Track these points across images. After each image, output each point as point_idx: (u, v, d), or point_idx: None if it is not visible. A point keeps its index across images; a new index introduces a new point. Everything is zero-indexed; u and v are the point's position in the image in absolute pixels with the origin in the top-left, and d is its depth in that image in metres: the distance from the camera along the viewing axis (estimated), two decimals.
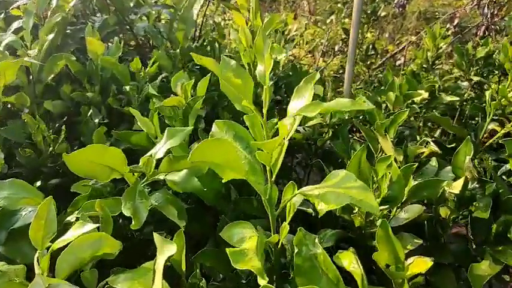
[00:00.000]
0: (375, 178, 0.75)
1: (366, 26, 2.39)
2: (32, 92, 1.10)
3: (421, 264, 0.56)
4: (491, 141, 1.06)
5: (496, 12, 2.35)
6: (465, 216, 0.79)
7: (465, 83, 1.57)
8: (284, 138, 0.50)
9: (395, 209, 0.76)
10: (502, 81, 1.56)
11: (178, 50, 1.37)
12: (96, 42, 1.15)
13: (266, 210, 0.58)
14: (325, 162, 1.08)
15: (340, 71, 2.50)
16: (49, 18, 1.20)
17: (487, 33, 2.37)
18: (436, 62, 1.72)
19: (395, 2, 2.72)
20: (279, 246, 0.60)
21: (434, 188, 0.76)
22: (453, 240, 0.83)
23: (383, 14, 2.59)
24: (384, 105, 1.26)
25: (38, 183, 0.95)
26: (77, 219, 0.67)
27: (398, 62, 2.58)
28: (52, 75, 1.11)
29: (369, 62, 2.29)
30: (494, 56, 1.48)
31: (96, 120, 1.07)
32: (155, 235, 0.56)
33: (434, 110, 1.40)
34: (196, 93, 0.94)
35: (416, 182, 0.76)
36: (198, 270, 0.66)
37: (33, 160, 0.96)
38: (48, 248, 0.55)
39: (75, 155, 0.59)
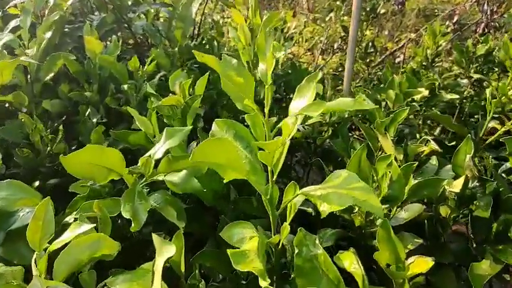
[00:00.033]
0: (375, 177, 0.75)
1: (365, 23, 2.39)
2: (30, 91, 1.09)
3: (422, 264, 0.56)
4: (491, 139, 1.06)
5: (495, 9, 2.34)
6: (465, 215, 0.79)
7: (465, 81, 1.56)
8: (286, 138, 0.49)
9: (395, 208, 0.76)
10: (502, 78, 1.55)
11: (176, 49, 1.36)
12: (94, 40, 1.14)
13: (267, 210, 0.57)
14: (324, 161, 1.07)
15: (340, 69, 2.49)
16: (47, 16, 1.19)
17: (486, 30, 2.37)
18: (436, 59, 1.72)
19: None
20: (279, 247, 0.59)
21: (434, 187, 0.75)
22: (453, 239, 0.83)
23: (382, 11, 2.59)
24: (383, 103, 1.25)
25: (36, 184, 0.95)
26: (75, 220, 0.66)
27: (397, 60, 2.58)
28: (50, 75, 1.11)
29: (368, 60, 2.29)
30: (494, 53, 1.47)
31: (94, 120, 1.07)
32: (154, 236, 0.55)
33: (433, 108, 1.40)
34: (194, 92, 0.93)
35: (417, 181, 0.75)
36: (197, 271, 0.66)
37: (31, 160, 0.95)
38: (46, 250, 0.54)
39: (72, 157, 0.59)
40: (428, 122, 1.48)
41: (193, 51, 0.51)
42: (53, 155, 0.99)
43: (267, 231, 0.66)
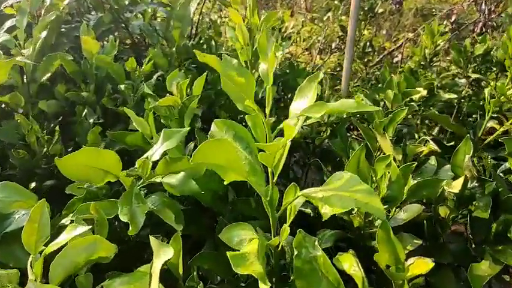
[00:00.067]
0: (374, 178, 0.74)
1: (363, 23, 2.38)
2: (26, 92, 1.08)
3: (421, 266, 0.56)
4: (490, 139, 1.06)
5: (493, 9, 2.34)
6: (464, 215, 0.79)
7: (463, 80, 1.56)
8: (288, 140, 0.48)
9: (394, 208, 0.76)
10: (500, 78, 1.55)
11: (174, 48, 1.35)
12: (91, 41, 1.14)
13: (266, 211, 0.57)
14: (323, 161, 1.07)
15: (338, 69, 2.49)
16: (43, 16, 1.18)
17: (484, 29, 2.37)
18: (434, 59, 1.72)
19: None
20: (279, 249, 0.59)
21: (433, 188, 0.75)
22: (452, 239, 0.83)
23: (380, 10, 2.58)
24: (382, 103, 1.25)
25: (32, 185, 0.94)
26: (72, 222, 0.65)
27: (395, 59, 2.58)
28: (47, 75, 1.10)
29: (366, 60, 2.28)
30: (492, 53, 1.47)
31: (91, 120, 1.06)
32: (151, 239, 0.55)
33: (431, 108, 1.39)
34: (192, 92, 0.93)
35: (416, 182, 0.75)
36: (195, 273, 0.65)
37: (26, 161, 0.94)
38: (41, 252, 0.54)
39: (67, 159, 0.58)
40: (426, 121, 1.48)
41: (194, 50, 0.51)
42: (49, 156, 0.98)
43: (266, 233, 0.66)
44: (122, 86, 1.08)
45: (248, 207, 0.79)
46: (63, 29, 1.32)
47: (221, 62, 0.50)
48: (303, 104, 0.52)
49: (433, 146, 0.86)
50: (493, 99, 1.02)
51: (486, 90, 1.04)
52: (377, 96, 1.24)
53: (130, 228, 0.58)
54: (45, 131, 0.99)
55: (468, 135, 0.81)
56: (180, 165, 0.66)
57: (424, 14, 3.77)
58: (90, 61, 1.14)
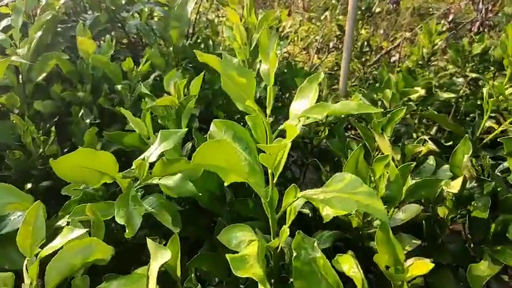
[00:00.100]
0: (372, 178, 0.74)
1: (360, 22, 2.38)
2: (22, 92, 1.07)
3: (421, 267, 0.55)
4: (488, 138, 1.05)
5: (490, 8, 2.35)
6: (463, 215, 0.78)
7: (460, 79, 1.56)
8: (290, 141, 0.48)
9: (392, 209, 0.75)
10: (497, 77, 1.55)
11: (171, 48, 1.35)
12: (87, 40, 1.13)
13: (266, 212, 0.56)
14: (321, 161, 1.07)
15: (335, 68, 2.49)
16: (39, 16, 1.17)
17: (481, 29, 2.37)
18: (432, 58, 1.71)
19: None
20: (278, 250, 0.58)
21: (432, 188, 0.75)
22: (451, 239, 0.82)
23: (377, 10, 2.58)
24: (379, 103, 1.25)
25: (28, 186, 0.93)
26: (68, 223, 0.65)
27: (393, 59, 2.58)
28: (42, 75, 1.09)
29: (363, 59, 2.28)
30: (489, 52, 1.47)
31: (88, 121, 1.05)
32: (149, 241, 0.54)
33: (429, 107, 1.39)
34: (189, 92, 0.92)
35: (414, 182, 0.75)
36: (193, 275, 0.65)
37: (22, 162, 0.93)
38: (37, 255, 0.53)
39: (62, 160, 0.57)
40: (424, 121, 1.48)
41: (194, 50, 0.50)
42: (45, 157, 0.97)
43: (265, 235, 0.65)
44: (119, 86, 1.08)
45: (246, 208, 0.78)
46: (59, 29, 1.31)
47: (221, 62, 0.49)
48: (304, 105, 0.51)
49: (431, 145, 0.85)
50: (492, 99, 1.01)
51: (484, 90, 1.04)
52: (375, 95, 1.24)
53: (126, 230, 0.57)
54: (41, 132, 0.99)
55: (467, 135, 0.80)
56: (178, 167, 0.65)
57: (421, 13, 3.78)
58: (87, 61, 1.14)
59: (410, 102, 1.21)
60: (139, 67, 1.14)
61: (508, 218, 0.72)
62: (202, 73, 0.94)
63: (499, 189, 0.75)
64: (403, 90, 1.19)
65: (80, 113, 1.08)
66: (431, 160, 0.86)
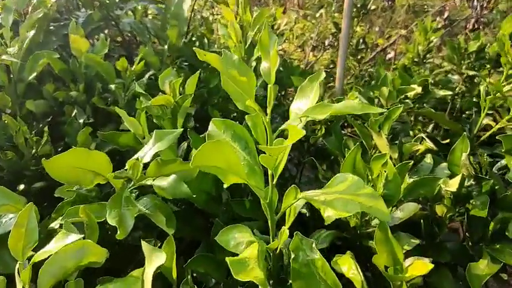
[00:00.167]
0: (370, 177, 0.73)
1: (355, 19, 2.37)
2: (13, 92, 1.05)
3: (420, 267, 0.55)
4: (486, 135, 1.05)
5: (485, 5, 2.35)
6: (461, 213, 0.78)
7: (456, 77, 1.56)
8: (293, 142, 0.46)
9: (391, 208, 0.75)
10: (492, 74, 1.55)
11: (166, 47, 1.33)
12: (80, 39, 1.11)
13: (265, 213, 0.55)
14: (317, 159, 1.06)
15: (331, 66, 2.48)
16: (30, 14, 1.15)
17: (476, 26, 2.37)
18: (427, 55, 1.71)
19: None
20: (277, 252, 0.57)
21: (430, 186, 0.74)
22: (449, 238, 0.82)
23: (372, 7, 2.57)
24: (376, 101, 1.24)
25: (21, 187, 0.92)
26: (61, 225, 0.64)
27: (388, 56, 2.57)
28: (34, 74, 1.07)
29: (359, 57, 2.27)
30: (485, 49, 1.47)
31: (81, 121, 1.04)
32: (143, 243, 0.53)
33: (425, 105, 1.39)
34: (185, 91, 0.91)
35: (413, 180, 0.74)
36: (189, 277, 0.64)
37: (15, 163, 0.92)
38: (29, 258, 0.52)
39: (55, 160, 0.56)
40: (420, 118, 1.47)
41: (194, 48, 0.48)
42: (38, 158, 0.95)
43: (263, 235, 0.64)
44: (113, 86, 1.06)
45: (243, 208, 0.77)
46: (51, 27, 1.29)
47: (221, 60, 0.48)
48: (305, 105, 0.50)
49: (429, 144, 0.85)
50: (489, 97, 1.01)
51: (481, 87, 1.03)
52: (371, 93, 1.23)
53: (118, 232, 0.56)
54: (33, 132, 0.97)
55: (465, 133, 0.80)
56: (172, 167, 0.64)
57: (416, 10, 3.78)
58: (80, 60, 1.12)
59: (407, 100, 1.20)
60: (134, 66, 1.13)
61: (506, 216, 0.71)
62: (198, 72, 0.92)
63: (497, 187, 0.75)
64: (400, 88, 1.18)
65: (73, 113, 1.06)
66: (428, 158, 0.85)
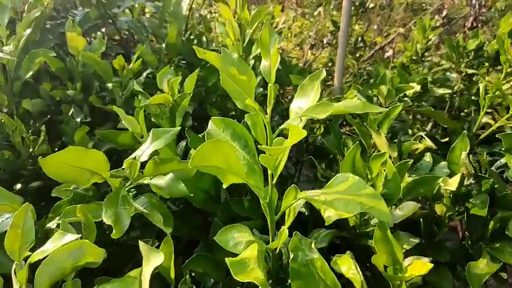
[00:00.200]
0: (369, 176, 0.73)
1: (354, 18, 2.36)
2: (10, 91, 1.04)
3: (420, 266, 0.54)
4: (485, 134, 1.05)
5: (483, 3, 2.35)
6: (461, 212, 0.78)
7: (454, 75, 1.56)
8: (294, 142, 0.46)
9: (390, 207, 0.74)
10: (491, 72, 1.55)
11: (163, 45, 1.32)
12: (76, 37, 1.10)
13: (264, 213, 0.54)
14: (316, 158, 1.05)
15: (329, 64, 2.47)
16: (26, 12, 1.14)
17: (474, 24, 2.37)
18: (426, 54, 1.71)
19: None
20: (276, 252, 0.57)
21: (430, 185, 0.74)
22: (448, 237, 0.82)
23: (371, 5, 2.57)
24: (375, 99, 1.24)
25: (18, 187, 0.91)
26: (58, 225, 0.63)
27: (387, 54, 2.57)
28: (30, 73, 1.06)
29: (357, 55, 2.27)
30: (484, 47, 1.47)
31: (78, 120, 1.03)
32: (141, 243, 0.53)
33: (424, 103, 1.39)
34: (183, 89, 0.90)
35: (412, 179, 0.74)
36: (187, 276, 0.63)
37: (11, 163, 0.91)
38: (26, 259, 0.51)
39: (51, 159, 0.55)
40: (418, 116, 1.47)
41: (194, 47, 0.48)
42: (35, 157, 0.95)
43: (262, 235, 0.64)
44: (110, 84, 1.05)
45: (241, 208, 0.77)
46: (48, 25, 1.28)
47: (221, 58, 0.47)
48: (305, 104, 0.49)
49: (428, 142, 0.84)
50: (488, 95, 1.01)
51: (481, 86, 1.03)
52: (370, 92, 1.23)
53: (114, 231, 0.56)
54: (30, 131, 0.96)
55: (465, 131, 0.80)
56: (170, 166, 0.63)
57: (414, 8, 3.77)
58: (77, 58, 1.11)
59: (406, 98, 1.20)
60: (131, 64, 1.12)
61: (506, 215, 0.71)
62: (197, 70, 0.92)
63: (496, 186, 0.75)
64: (399, 86, 1.18)
65: (71, 112, 1.05)
66: (428, 157, 0.85)
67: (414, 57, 1.71)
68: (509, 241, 0.69)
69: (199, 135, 0.83)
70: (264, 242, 0.54)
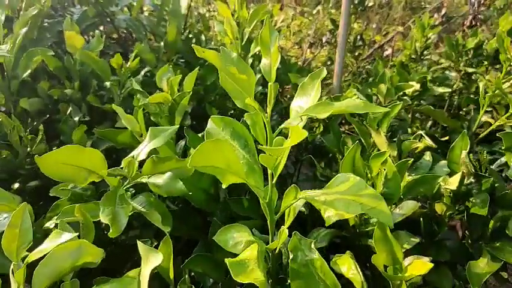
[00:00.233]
0: (369, 175, 0.72)
1: (353, 16, 2.36)
2: (7, 90, 1.04)
3: (420, 266, 0.54)
4: (485, 132, 1.05)
5: (482, 2, 2.34)
6: (461, 211, 0.77)
7: (453, 74, 1.55)
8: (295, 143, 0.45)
9: (390, 206, 0.74)
10: (490, 71, 1.55)
11: (162, 43, 1.32)
12: (75, 35, 1.09)
13: (264, 213, 0.54)
14: (315, 157, 1.05)
15: (328, 63, 2.47)
16: (23, 10, 1.13)
17: (473, 22, 2.37)
18: (425, 52, 1.70)
19: None
20: (276, 252, 0.56)
21: (430, 184, 0.73)
22: (448, 236, 0.82)
23: (370, 4, 2.56)
24: (374, 98, 1.23)
25: (16, 186, 0.90)
26: (56, 225, 0.63)
27: (386, 53, 2.56)
28: (28, 72, 1.05)
29: (356, 53, 2.26)
30: (483, 46, 1.47)
31: (76, 119, 1.02)
32: (139, 244, 0.52)
33: (423, 102, 1.38)
34: (182, 88, 0.90)
35: (413, 178, 0.73)
36: (186, 276, 0.63)
37: (9, 162, 0.90)
38: (24, 259, 0.51)
39: (48, 157, 0.55)
40: (417, 115, 1.47)
41: (193, 46, 0.47)
42: (33, 156, 0.94)
43: (262, 234, 0.63)
44: (108, 83, 1.05)
45: (240, 207, 0.76)
46: (45, 24, 1.27)
47: (220, 57, 0.47)
48: (306, 103, 0.49)
49: (428, 141, 0.84)
50: (489, 94, 1.00)
51: (481, 84, 1.02)
52: (369, 90, 1.23)
53: (111, 230, 0.55)
54: (28, 130, 0.96)
55: (465, 130, 0.79)
56: (168, 165, 0.63)
57: (413, 7, 3.77)
58: (74, 57, 1.10)
59: (405, 97, 1.20)
60: (129, 63, 1.11)
61: (506, 214, 0.71)
62: (197, 69, 0.91)
63: (496, 185, 0.74)
64: (398, 85, 1.17)
65: (69, 111, 1.05)
66: (427, 156, 0.85)
67: (413, 56, 1.70)
68: (509, 240, 0.69)
69: (199, 135, 0.82)
70: (263, 242, 0.54)
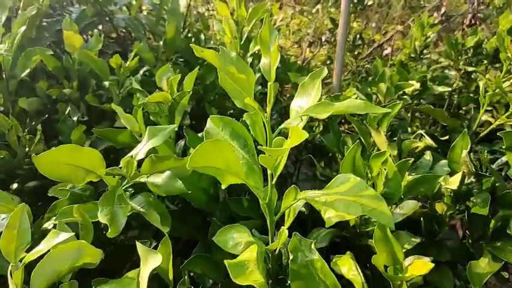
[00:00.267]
0: (370, 175, 0.72)
1: (352, 15, 2.36)
2: (5, 89, 1.03)
3: (420, 266, 0.54)
4: (485, 132, 1.04)
5: (481, 0, 2.34)
6: (461, 211, 0.77)
7: (453, 73, 1.55)
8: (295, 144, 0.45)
9: (391, 206, 0.74)
10: (489, 70, 1.55)
11: (161, 43, 1.31)
12: (73, 35, 1.09)
13: (264, 213, 0.54)
14: (315, 157, 1.05)
15: (328, 62, 2.46)
16: (22, 9, 1.13)
17: (473, 21, 2.37)
18: (424, 51, 1.70)
19: None
20: (276, 252, 0.56)
21: (431, 184, 0.73)
22: (448, 235, 0.81)
23: (369, 3, 2.56)
24: (374, 97, 1.23)
25: (14, 187, 0.90)
26: (55, 226, 0.62)
27: (385, 52, 2.56)
28: (27, 71, 1.05)
29: (356, 52, 2.26)
30: (483, 45, 1.46)
31: (75, 118, 1.02)
32: (138, 244, 0.52)
33: (423, 101, 1.38)
34: (182, 88, 0.89)
35: (413, 178, 0.73)
36: (186, 277, 0.63)
37: (7, 162, 0.90)
38: (22, 260, 0.50)
39: (45, 156, 0.54)
40: (417, 114, 1.47)
41: (192, 45, 0.47)
42: (31, 157, 0.94)
43: (262, 235, 0.63)
44: (107, 83, 1.04)
45: (240, 207, 0.76)
46: (44, 23, 1.26)
47: (219, 56, 0.46)
48: (306, 103, 0.48)
49: (428, 141, 0.84)
50: (489, 93, 1.00)
51: (481, 83, 1.02)
52: (369, 89, 1.22)
53: (109, 230, 0.55)
54: (26, 130, 0.95)
55: (465, 129, 0.79)
56: (167, 164, 0.62)
57: (412, 6, 3.77)
58: (73, 56, 1.10)
59: (405, 96, 1.19)
60: (128, 62, 1.11)
61: (507, 213, 0.70)
62: (197, 68, 0.91)
63: (497, 184, 0.74)
64: (398, 84, 1.17)
65: (67, 111, 1.04)
66: (428, 155, 0.85)
67: (413, 55, 1.70)
68: (510, 240, 0.68)
69: (198, 134, 0.82)
70: (263, 243, 0.54)
